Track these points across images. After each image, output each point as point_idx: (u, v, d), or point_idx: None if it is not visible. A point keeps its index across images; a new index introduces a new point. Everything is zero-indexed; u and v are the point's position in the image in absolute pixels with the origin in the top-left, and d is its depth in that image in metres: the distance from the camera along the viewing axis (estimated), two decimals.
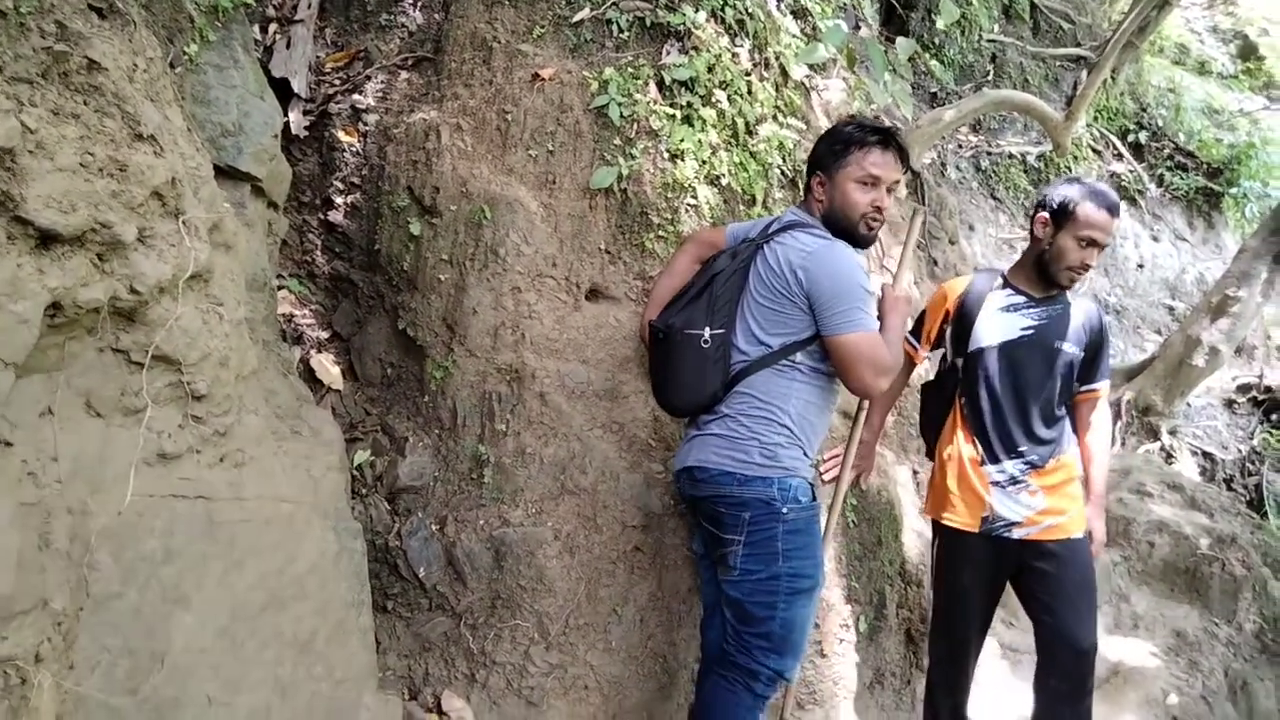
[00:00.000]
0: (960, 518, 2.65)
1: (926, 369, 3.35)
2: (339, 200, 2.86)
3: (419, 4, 3.12)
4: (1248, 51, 9.35)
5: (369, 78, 3.01)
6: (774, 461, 2.20)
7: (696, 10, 3.00)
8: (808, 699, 2.97)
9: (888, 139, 2.31)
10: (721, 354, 2.24)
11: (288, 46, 2.91)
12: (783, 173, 3.32)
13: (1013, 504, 2.59)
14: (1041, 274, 2.63)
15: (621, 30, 2.92)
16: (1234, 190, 7.61)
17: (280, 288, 2.73)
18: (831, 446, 2.96)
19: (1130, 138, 7.39)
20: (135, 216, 1.64)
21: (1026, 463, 2.60)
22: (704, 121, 2.99)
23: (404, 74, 3.01)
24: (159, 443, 1.68)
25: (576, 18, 2.90)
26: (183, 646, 1.61)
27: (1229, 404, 5.78)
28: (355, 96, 2.96)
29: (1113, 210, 2.56)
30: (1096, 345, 2.68)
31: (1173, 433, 5.55)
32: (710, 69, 3.03)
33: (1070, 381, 2.66)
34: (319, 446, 2.01)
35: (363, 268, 2.83)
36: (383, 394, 2.73)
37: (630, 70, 2.91)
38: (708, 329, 2.22)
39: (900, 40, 4.01)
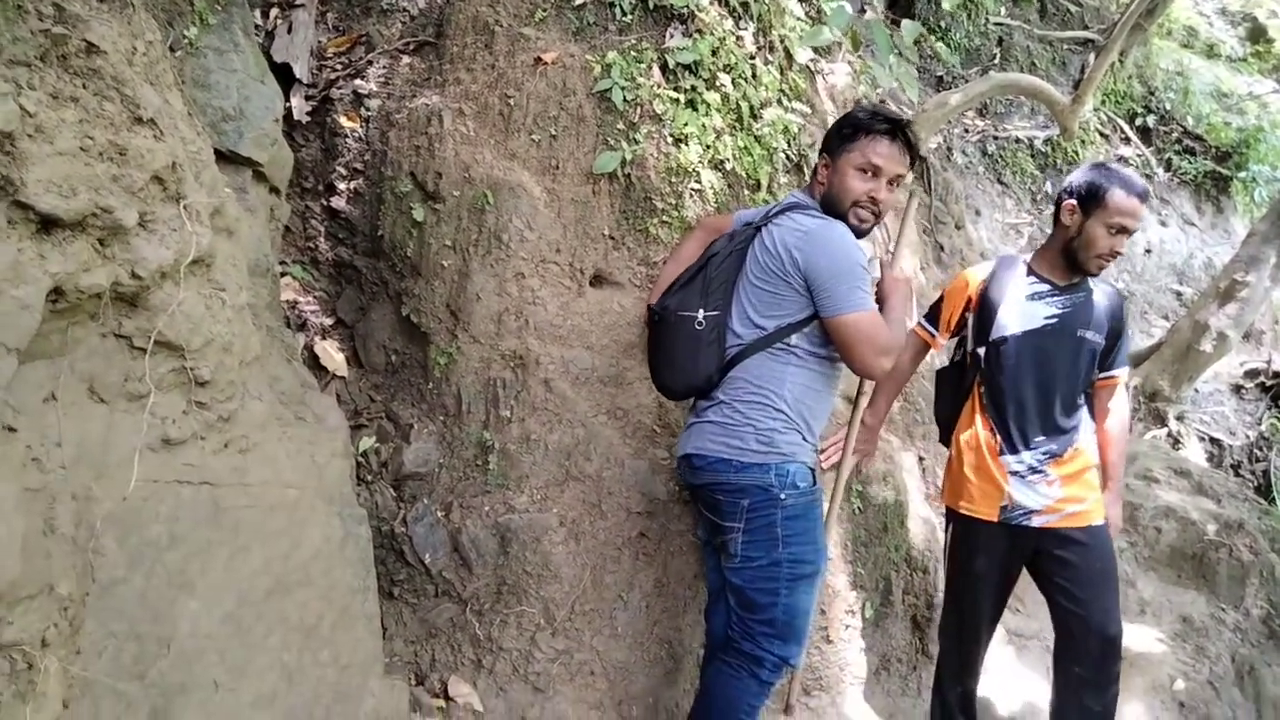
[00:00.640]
0: (978, 508, 2.62)
1: (936, 355, 3.33)
2: (342, 186, 2.85)
3: None
4: (1257, 34, 9.26)
5: (371, 62, 2.99)
6: (771, 447, 2.19)
7: None
8: (814, 685, 2.97)
9: (896, 130, 2.27)
10: (716, 336, 2.23)
11: (289, 31, 2.89)
12: (787, 157, 3.29)
13: (1032, 493, 2.56)
14: (1069, 261, 2.58)
15: (624, 13, 2.89)
16: (1243, 174, 7.54)
17: (284, 274, 2.72)
18: (834, 431, 2.96)
19: (1138, 121, 7.33)
20: (136, 201, 1.63)
21: (1046, 452, 2.57)
22: (708, 105, 2.96)
23: (406, 58, 2.99)
24: (163, 428, 1.67)
25: (579, 0, 2.88)
26: (189, 632, 1.61)
27: (1237, 389, 5.75)
28: (357, 81, 2.94)
29: (1143, 196, 2.52)
30: (1117, 331, 2.66)
31: (1180, 418, 5.52)
32: (714, 52, 3.01)
33: (1091, 369, 2.63)
34: (323, 433, 2.01)
35: (366, 254, 2.82)
36: (387, 380, 2.72)
37: (633, 53, 2.89)
38: (701, 310, 2.21)
39: (905, 23, 3.98)
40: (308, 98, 2.94)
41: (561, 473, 2.57)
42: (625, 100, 2.82)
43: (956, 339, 2.84)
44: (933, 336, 2.83)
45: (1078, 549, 2.56)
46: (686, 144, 2.90)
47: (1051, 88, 4.48)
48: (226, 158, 2.08)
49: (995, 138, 5.97)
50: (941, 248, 4.51)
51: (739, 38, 3.10)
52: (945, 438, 2.89)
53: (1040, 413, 2.58)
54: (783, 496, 2.17)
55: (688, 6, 2.93)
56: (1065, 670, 2.61)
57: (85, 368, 1.61)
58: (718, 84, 3.01)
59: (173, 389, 1.70)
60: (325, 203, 2.87)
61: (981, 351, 2.65)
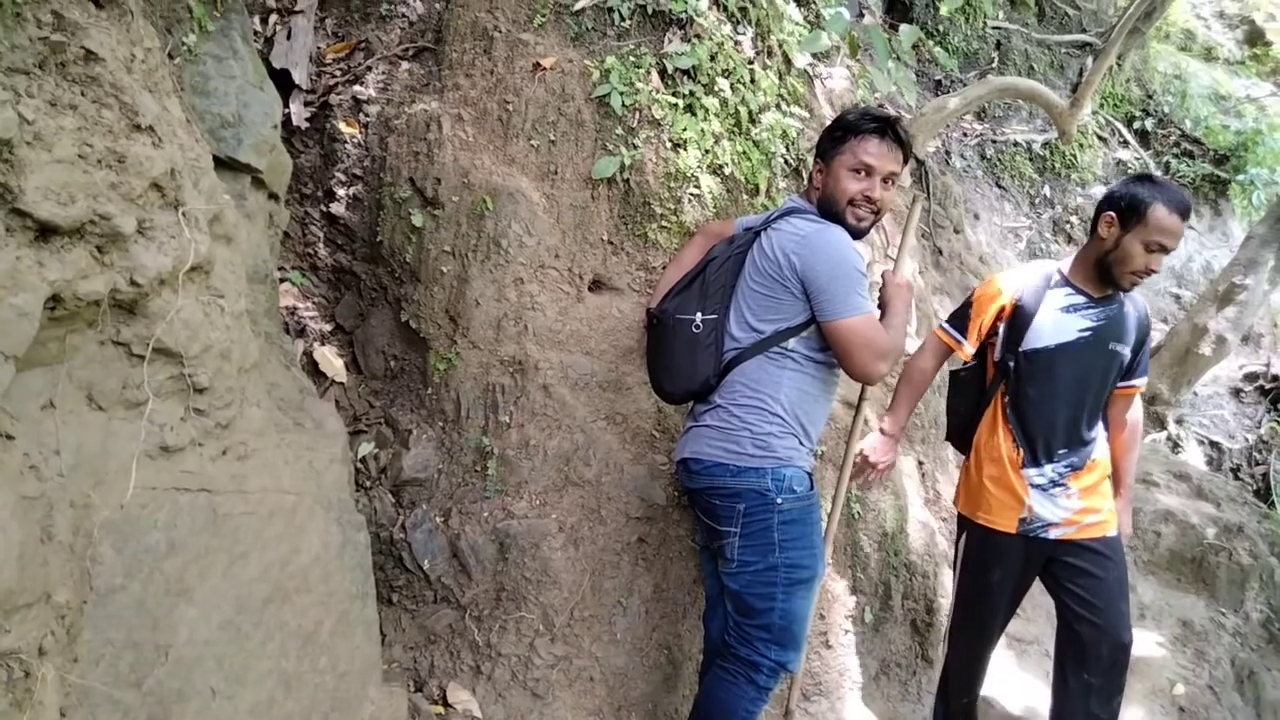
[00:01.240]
0: (996, 519, 2.59)
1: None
2: (341, 192, 2.85)
3: None
4: (1254, 37, 9.27)
5: (370, 68, 2.99)
6: (767, 451, 2.18)
7: None
8: (813, 690, 2.97)
9: (886, 128, 2.27)
10: (713, 340, 2.23)
11: (288, 37, 2.89)
12: (786, 162, 3.30)
13: (1052, 505, 2.54)
14: (1102, 274, 2.50)
15: (623, 18, 2.90)
16: (1241, 177, 7.55)
17: (282, 280, 2.72)
18: (831, 436, 2.95)
19: (1136, 125, 7.34)
20: (134, 208, 1.63)
21: (1068, 465, 2.55)
22: (706, 110, 2.97)
23: (405, 64, 2.99)
24: (161, 435, 1.67)
25: (577, 6, 2.88)
26: (187, 639, 1.61)
27: (1236, 393, 5.75)
28: (356, 87, 2.95)
29: (1185, 214, 2.42)
30: (1141, 342, 2.61)
31: (1179, 422, 5.52)
32: (713, 57, 3.01)
33: (1116, 380, 2.60)
34: (322, 439, 2.00)
35: (365, 260, 2.82)
36: (386, 386, 2.72)
37: (632, 59, 2.89)
38: (699, 314, 2.22)
39: (904, 27, 3.98)
40: (307, 104, 2.95)
41: (560, 478, 2.57)
42: (624, 105, 2.82)
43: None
44: (959, 343, 2.69)
45: (1094, 558, 2.55)
46: (685, 149, 2.90)
47: (1049, 91, 4.49)
48: (225, 164, 2.08)
49: (994, 141, 5.98)
50: (940, 251, 4.51)
51: (737, 43, 3.10)
52: (958, 441, 2.85)
53: (1067, 427, 2.54)
54: (779, 501, 2.16)
55: (686, 12, 2.94)
56: (1073, 676, 2.59)
57: (83, 375, 1.61)
58: (716, 89, 3.01)
59: (171, 396, 1.69)
60: (324, 209, 2.87)
61: (1010, 361, 2.57)
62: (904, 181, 4.18)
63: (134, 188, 1.63)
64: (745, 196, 3.11)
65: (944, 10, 5.19)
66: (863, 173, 2.24)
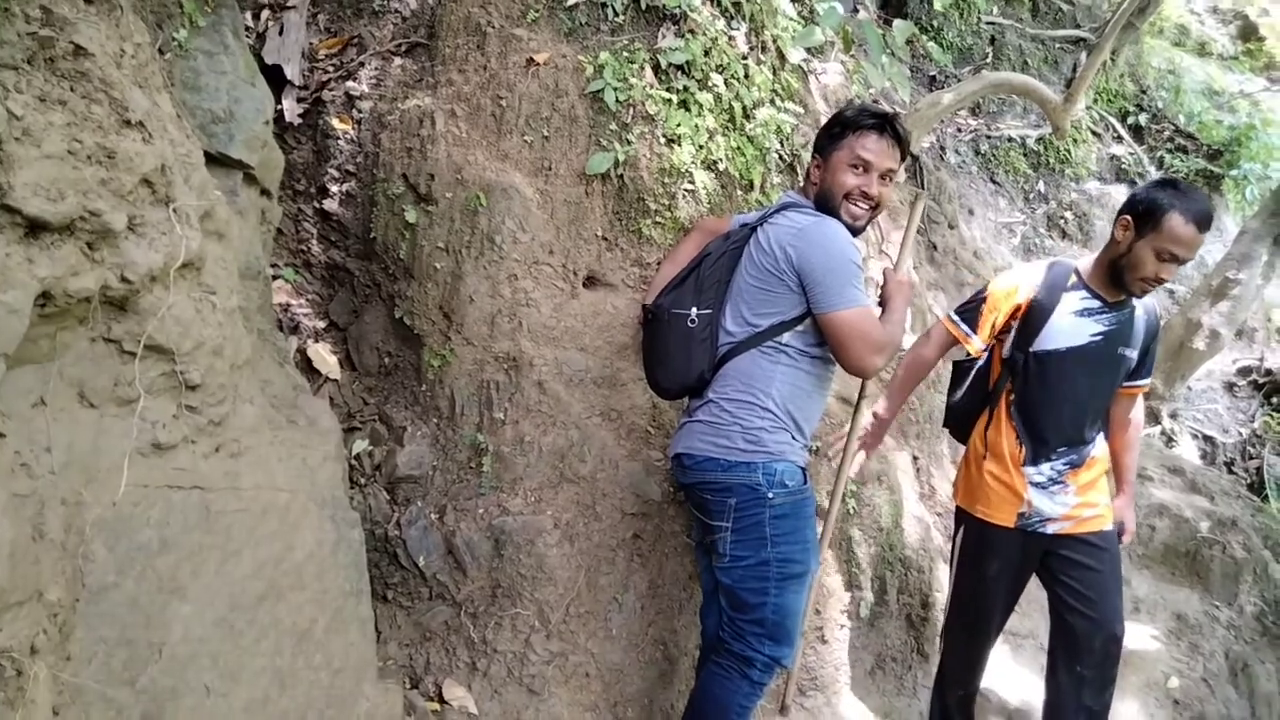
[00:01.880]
0: (995, 514, 2.59)
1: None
2: (334, 188, 2.84)
3: None
4: (1248, 32, 9.29)
5: (363, 64, 2.98)
6: (758, 446, 2.17)
7: None
8: (809, 684, 2.97)
9: (884, 124, 2.27)
10: (708, 334, 2.23)
11: (280, 33, 2.88)
12: (780, 157, 3.29)
13: (1051, 502, 2.54)
14: (1114, 278, 2.47)
15: (616, 13, 2.89)
16: (1234, 172, 7.56)
17: (276, 277, 2.71)
18: (830, 431, 2.95)
19: (1130, 120, 7.35)
20: (125, 204, 1.62)
21: (1068, 462, 2.55)
22: (701, 106, 2.96)
23: (398, 60, 2.98)
24: (153, 433, 1.66)
25: (571, 1, 2.87)
26: (180, 637, 1.60)
27: (1229, 387, 5.77)
28: (349, 83, 2.94)
29: (1202, 225, 2.34)
30: (1149, 343, 2.60)
31: (1173, 416, 5.54)
32: (706, 52, 3.00)
33: (1122, 382, 2.60)
34: (315, 436, 2.00)
35: (359, 256, 2.81)
36: (380, 383, 2.71)
37: (625, 54, 2.89)
38: (694, 309, 2.22)
39: (898, 22, 3.98)
40: (299, 100, 2.93)
41: (555, 475, 2.56)
42: (618, 101, 2.81)
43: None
44: (968, 337, 2.62)
45: (1090, 551, 2.56)
46: (679, 144, 2.89)
47: (1044, 86, 4.49)
48: (217, 160, 2.07)
49: (988, 137, 5.98)
50: (935, 247, 4.52)
51: (731, 38, 3.09)
52: (957, 431, 2.85)
53: (1071, 427, 2.54)
54: (770, 496, 2.16)
55: (680, 7, 2.93)
56: (1066, 669, 2.60)
57: (74, 372, 1.60)
58: (710, 84, 3.01)
59: (163, 393, 1.68)
60: (317, 205, 2.86)
61: (1019, 360, 2.55)
62: (899, 179, 4.18)
63: (124, 184, 1.62)
64: (740, 192, 3.11)
65: (938, 5, 5.19)
66: (860, 168, 2.24)
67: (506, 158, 2.75)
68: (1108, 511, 2.62)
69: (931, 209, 4.53)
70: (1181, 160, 7.53)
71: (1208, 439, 5.60)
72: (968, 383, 2.77)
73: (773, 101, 3.27)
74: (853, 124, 2.27)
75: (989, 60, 6.18)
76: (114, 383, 1.63)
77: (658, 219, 2.90)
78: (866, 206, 2.28)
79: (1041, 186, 6.20)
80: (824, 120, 3.80)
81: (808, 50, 3.72)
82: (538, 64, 2.80)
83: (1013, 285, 2.59)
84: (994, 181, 5.91)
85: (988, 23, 6.29)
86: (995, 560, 2.64)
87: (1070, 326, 2.49)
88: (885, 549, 3.24)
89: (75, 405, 1.60)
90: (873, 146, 2.24)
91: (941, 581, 3.45)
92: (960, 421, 2.81)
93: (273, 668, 1.72)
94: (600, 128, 2.83)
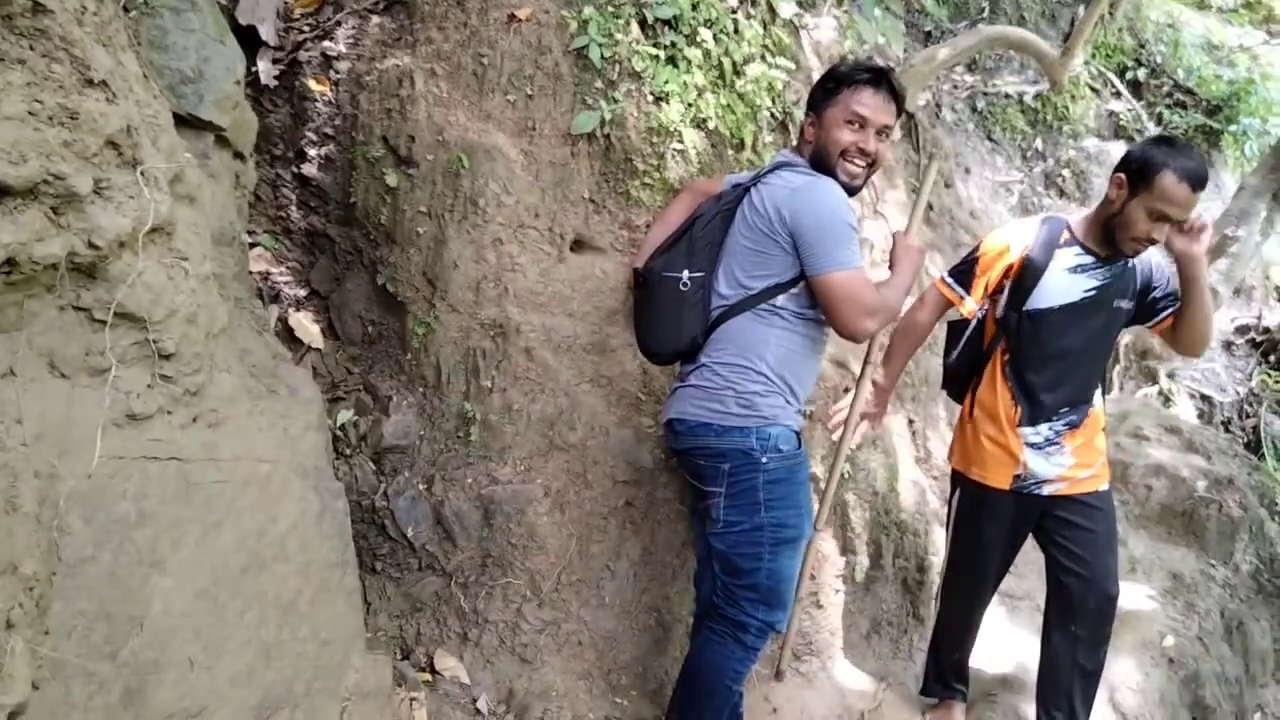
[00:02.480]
0: (990, 476, 2.57)
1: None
2: (312, 152, 2.77)
3: None
4: None
5: (339, 23, 2.89)
6: (752, 410, 2.14)
7: None
8: (804, 649, 2.97)
9: (879, 79, 2.21)
10: (700, 298, 2.18)
11: None
12: (772, 115, 3.22)
13: (1047, 463, 2.52)
14: (1107, 236, 2.42)
15: None
16: (1233, 128, 7.47)
17: (254, 245, 2.65)
18: (821, 395, 2.92)
19: (1128, 75, 7.23)
20: (90, 167, 1.56)
21: (1066, 423, 2.52)
22: (689, 62, 2.88)
23: (375, 18, 2.89)
24: (127, 403, 1.62)
25: None
26: (161, 609, 1.57)
27: (1227, 346, 5.74)
28: (326, 43, 2.85)
29: (1197, 185, 2.28)
30: (1146, 285, 2.53)
31: (1171, 376, 5.51)
32: (694, 6, 2.92)
33: (1119, 334, 2.55)
34: (296, 405, 1.96)
35: (339, 222, 2.75)
36: (364, 352, 2.67)
37: (611, 9, 2.80)
38: (686, 271, 2.17)
39: None
40: (275, 61, 2.85)
41: (545, 443, 2.53)
42: (603, 58, 2.74)
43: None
44: (961, 298, 2.58)
45: (1085, 511, 2.54)
46: (667, 102, 2.82)
47: (1041, 41, 4.40)
48: (186, 122, 2.00)
49: (985, 94, 5.88)
50: (930, 207, 4.45)
51: None
52: (954, 392, 2.82)
53: (1068, 386, 2.51)
54: (764, 460, 2.13)
55: None
56: (1061, 629, 2.61)
57: (44, 342, 1.56)
58: (699, 40, 2.93)
59: (136, 362, 1.64)
60: (296, 170, 2.79)
61: (1013, 320, 2.51)
62: (895, 136, 4.10)
63: (88, 146, 1.56)
64: (730, 151, 3.04)
65: None
66: (856, 124, 2.19)
67: (489, 118, 2.68)
68: (1103, 471, 2.61)
69: (926, 167, 4.46)
70: (1180, 116, 7.43)
71: (1205, 398, 5.58)
72: (962, 343, 2.74)
73: (763, 57, 3.19)
74: (847, 79, 2.21)
75: (985, 14, 6.05)
76: (85, 352, 1.59)
77: (646, 180, 2.83)
78: (863, 164, 2.22)
79: (1039, 144, 6.12)
80: (816, 77, 3.73)
81: (799, 4, 3.63)
82: (520, 20, 2.72)
83: (1005, 243, 2.54)
84: (991, 139, 5.82)
85: None
86: (991, 523, 2.63)
87: (1064, 284, 2.45)
88: (880, 513, 3.22)
89: (46, 375, 1.56)
90: (868, 101, 2.18)
91: (937, 545, 3.44)
92: (957, 382, 2.78)
93: (258, 640, 1.69)
94: (585, 86, 2.75)
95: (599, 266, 2.79)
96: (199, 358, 1.73)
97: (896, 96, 2.24)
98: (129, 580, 1.56)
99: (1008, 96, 5.96)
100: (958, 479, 2.72)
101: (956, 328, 2.76)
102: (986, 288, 2.54)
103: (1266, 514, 4.57)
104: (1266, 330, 5.80)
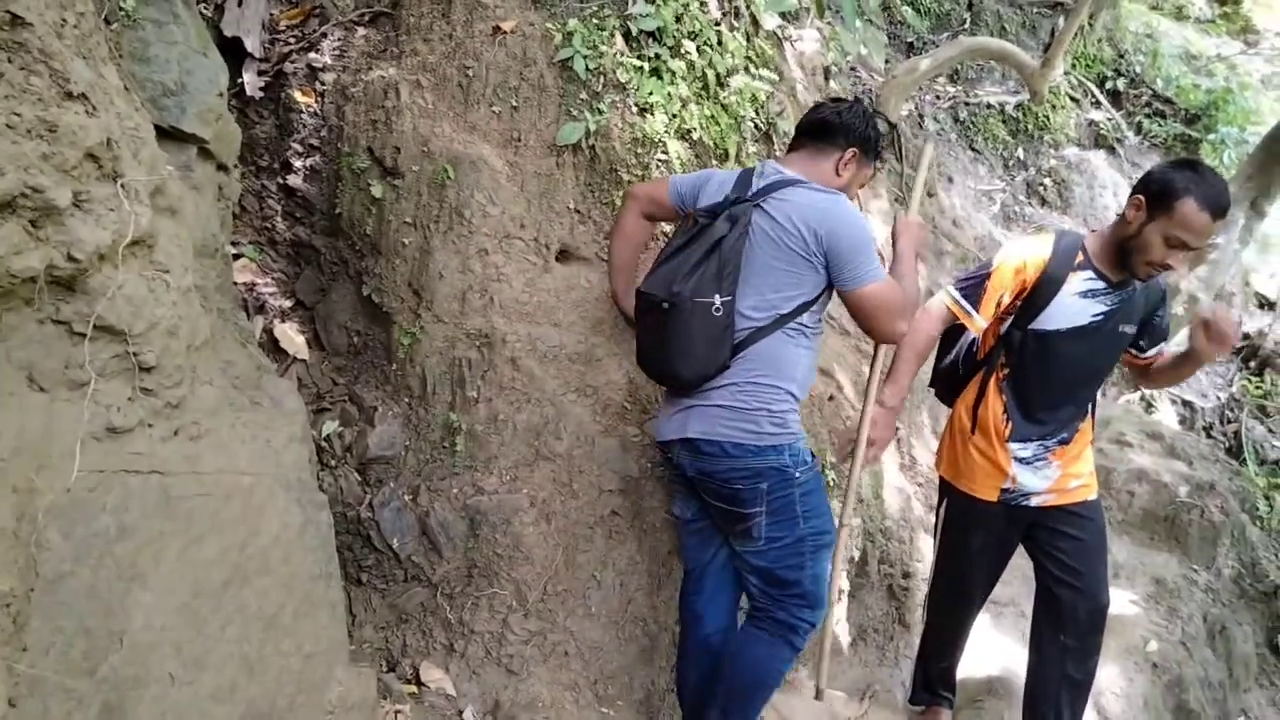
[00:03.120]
0: (979, 488, 2.55)
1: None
2: (298, 163, 2.76)
3: None
4: None
5: (325, 35, 2.89)
6: (784, 429, 2.20)
7: None
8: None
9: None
10: (730, 321, 2.16)
11: (239, 4, 2.78)
12: (756, 126, 3.24)
13: (1035, 476, 2.51)
14: (1121, 259, 2.37)
15: None
16: (1211, 136, 7.57)
17: (238, 256, 2.64)
18: (811, 404, 2.93)
19: (1108, 85, 7.32)
20: (69, 180, 1.56)
21: (1058, 440, 2.51)
22: (673, 73, 2.90)
23: (361, 30, 2.90)
24: (107, 416, 1.61)
25: None
26: (142, 625, 1.56)
27: None
28: (311, 55, 2.85)
29: (1218, 214, 2.23)
30: (1149, 314, 2.52)
31: None
32: (678, 19, 2.94)
33: (1120, 356, 2.56)
34: (280, 417, 1.95)
35: (325, 233, 2.74)
36: (350, 363, 2.66)
37: (595, 21, 2.82)
38: (718, 296, 2.12)
39: None
40: (260, 72, 2.85)
41: (531, 452, 2.53)
42: (588, 69, 2.75)
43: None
44: (969, 315, 2.48)
45: (1075, 522, 2.53)
46: (652, 113, 2.84)
47: (1021, 51, 4.45)
48: (169, 134, 1.99)
49: (967, 104, 5.94)
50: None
51: (703, 3, 3.03)
52: (943, 394, 2.81)
53: (1066, 407, 2.50)
54: (798, 475, 2.20)
55: None
56: (1051, 639, 2.59)
57: (22, 355, 1.55)
58: (683, 51, 2.95)
59: (116, 375, 1.63)
60: (281, 181, 2.79)
61: (1017, 336, 2.47)
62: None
63: (68, 158, 1.56)
64: (715, 162, 3.06)
65: None
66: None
67: (474, 129, 2.69)
68: (1092, 480, 2.60)
69: (910, 177, 4.50)
70: (1159, 125, 7.53)
71: (1187, 404, 5.64)
72: (958, 349, 2.72)
73: (747, 69, 3.21)
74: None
75: (966, 26, 6.12)
76: (64, 365, 1.58)
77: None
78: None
79: (1020, 153, 6.18)
80: (800, 88, 3.76)
81: (782, 16, 3.66)
82: (505, 32, 2.73)
83: (1020, 262, 2.45)
84: (973, 149, 5.88)
85: None
86: (979, 534, 2.61)
87: (1074, 308, 2.41)
88: (866, 520, 3.23)
89: (24, 389, 1.55)
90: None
91: (923, 551, 3.45)
92: (946, 385, 2.76)
93: (240, 654, 1.68)
94: (570, 97, 2.77)
95: (584, 276, 2.80)
96: (180, 370, 1.72)
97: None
98: (108, 595, 1.55)
99: (989, 106, 6.02)
100: (946, 488, 2.70)
101: (951, 332, 2.71)
102: (998, 306, 2.47)
103: (1248, 519, 4.61)
104: (1247, 336, 5.86)
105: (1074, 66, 6.97)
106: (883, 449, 2.64)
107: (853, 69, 4.70)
